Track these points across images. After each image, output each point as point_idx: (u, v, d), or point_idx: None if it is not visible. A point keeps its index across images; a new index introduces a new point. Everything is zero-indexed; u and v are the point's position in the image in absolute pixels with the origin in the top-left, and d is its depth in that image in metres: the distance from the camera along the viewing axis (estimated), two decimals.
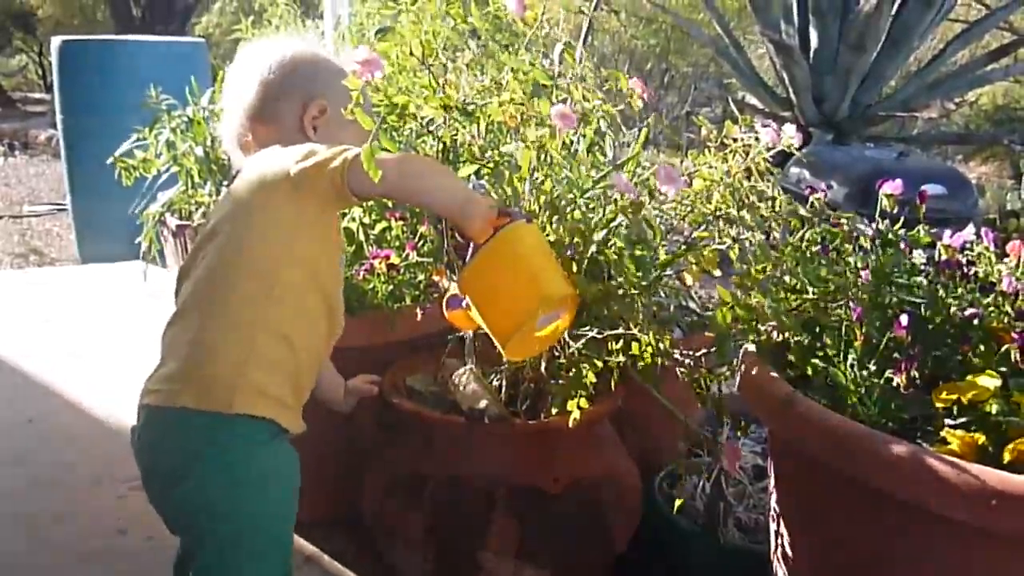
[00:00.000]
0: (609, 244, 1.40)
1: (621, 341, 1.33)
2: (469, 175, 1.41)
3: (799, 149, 1.44)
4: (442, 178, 1.22)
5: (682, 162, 1.47)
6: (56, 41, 4.18)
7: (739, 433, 1.48)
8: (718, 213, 1.41)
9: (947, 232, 1.34)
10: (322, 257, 1.24)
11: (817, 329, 1.24)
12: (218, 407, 1.13)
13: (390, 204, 1.79)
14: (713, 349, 1.24)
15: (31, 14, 12.04)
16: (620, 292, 1.38)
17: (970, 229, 1.33)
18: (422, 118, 1.25)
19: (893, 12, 5.01)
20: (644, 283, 1.41)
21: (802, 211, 1.32)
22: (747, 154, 1.43)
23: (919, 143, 5.52)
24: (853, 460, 1.02)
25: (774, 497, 1.29)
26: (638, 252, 1.42)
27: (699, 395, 1.33)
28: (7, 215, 5.35)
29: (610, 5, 8.26)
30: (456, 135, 1.27)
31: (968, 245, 1.31)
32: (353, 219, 1.78)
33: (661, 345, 1.32)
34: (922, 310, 1.20)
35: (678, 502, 1.51)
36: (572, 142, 1.38)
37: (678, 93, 9.06)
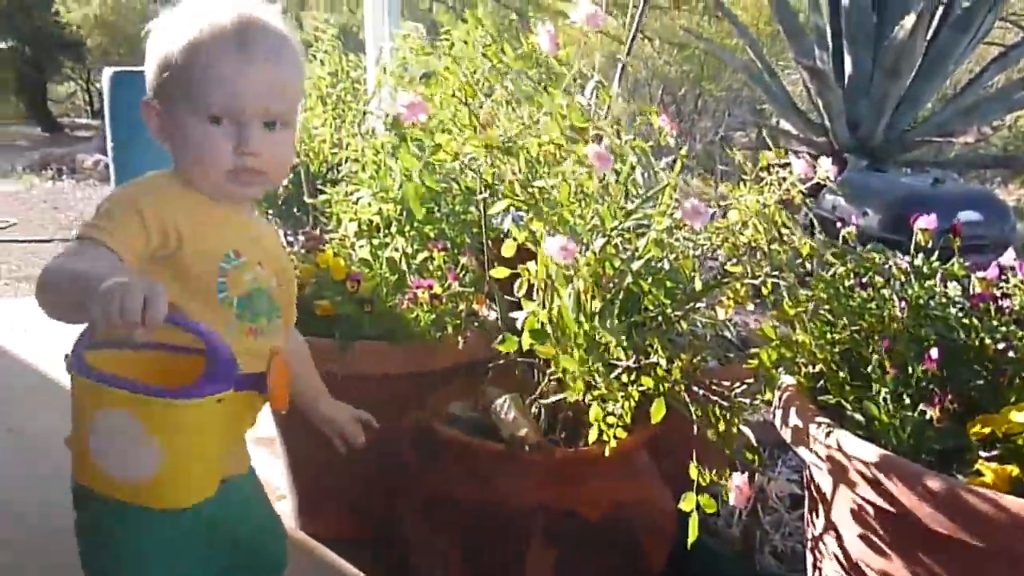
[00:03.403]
0: (644, 276, 1.43)
1: (657, 371, 1.36)
2: (507, 208, 1.46)
3: (834, 178, 1.46)
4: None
5: (716, 187, 1.51)
6: (108, 72, 4.33)
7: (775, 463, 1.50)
8: (752, 246, 1.44)
9: (983, 259, 1.36)
10: None
11: (853, 361, 1.27)
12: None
13: (431, 235, 1.84)
14: (750, 382, 1.26)
15: (81, 43, 12.42)
16: (656, 322, 1.42)
17: (1009, 254, 1.35)
18: (465, 155, 1.30)
19: (928, 37, 5.00)
20: (677, 313, 1.44)
21: (833, 249, 1.35)
22: (781, 185, 1.46)
23: (956, 167, 5.48)
24: (889, 492, 1.04)
25: (811, 528, 1.31)
26: (669, 284, 1.46)
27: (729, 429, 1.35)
28: (57, 238, 5.51)
29: (643, 32, 8.32)
30: (497, 171, 1.32)
31: (1004, 276, 1.32)
32: (396, 248, 1.84)
33: (695, 374, 1.35)
34: (957, 343, 1.22)
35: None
36: (604, 176, 1.43)
37: (711, 118, 9.08)
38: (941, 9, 5.17)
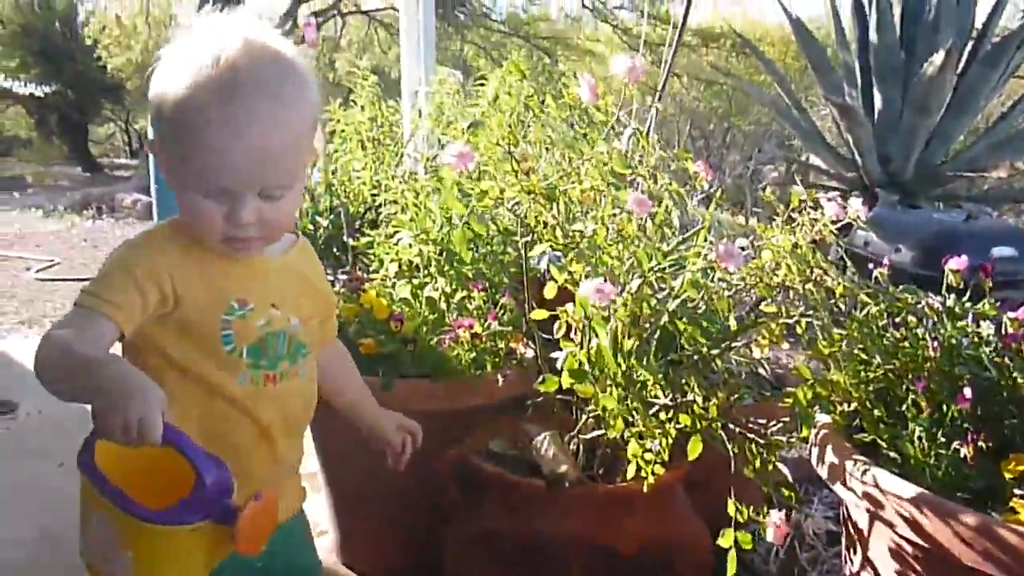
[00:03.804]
0: (680, 315, 1.47)
1: (694, 408, 1.40)
2: (544, 251, 1.51)
3: (865, 215, 1.49)
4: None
5: (746, 221, 1.55)
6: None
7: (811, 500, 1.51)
8: (786, 285, 1.47)
9: (1017, 294, 1.38)
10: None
11: (888, 400, 1.29)
12: None
13: (470, 275, 1.90)
14: (786, 420, 1.29)
15: (121, 86, 12.81)
16: (692, 361, 1.46)
17: None
18: (508, 199, 1.36)
19: (958, 72, 5.02)
20: (713, 352, 1.48)
21: (866, 290, 1.38)
22: (813, 226, 1.49)
23: (989, 202, 5.46)
24: (925, 528, 1.06)
25: (848, 565, 1.33)
26: (705, 324, 1.50)
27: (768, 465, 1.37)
28: None
29: (671, 68, 8.41)
30: (539, 216, 1.37)
31: None
32: (436, 288, 1.89)
33: (732, 412, 1.38)
34: (990, 382, 1.24)
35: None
36: (643, 218, 1.48)
37: (740, 152, 9.13)
38: (971, 45, 5.20)
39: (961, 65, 5.06)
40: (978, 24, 5.25)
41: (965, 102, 5.13)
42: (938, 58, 4.72)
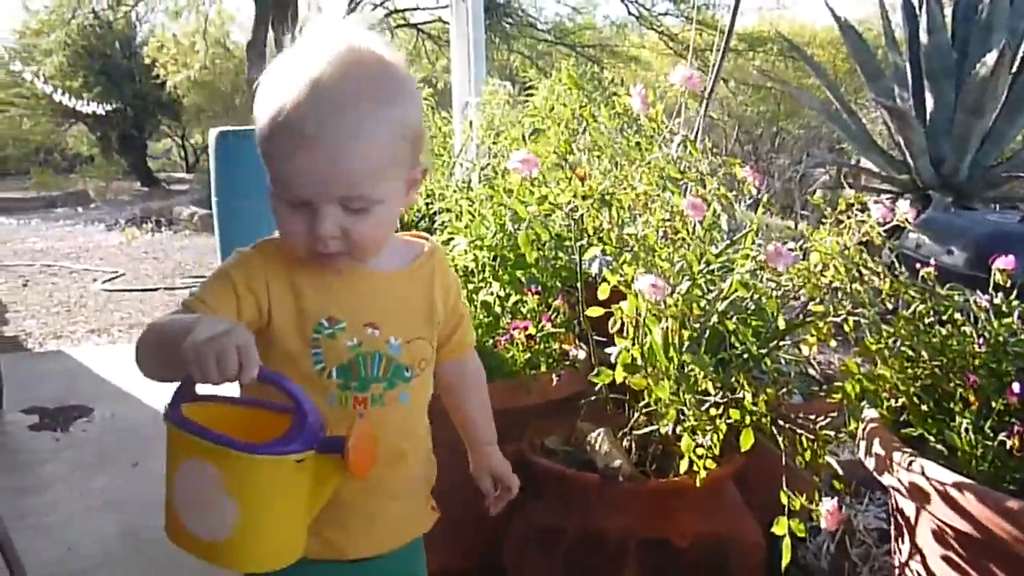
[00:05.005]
0: (729, 315, 1.52)
1: (743, 404, 1.44)
2: (595, 256, 1.57)
3: (918, 214, 1.52)
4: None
5: (796, 225, 1.58)
6: (213, 132, 4.65)
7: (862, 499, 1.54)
8: (834, 285, 1.51)
9: None
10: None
11: (936, 394, 1.33)
12: None
13: (523, 279, 1.97)
14: (834, 415, 1.33)
15: (178, 103, 13.18)
16: (741, 359, 1.50)
17: None
18: (565, 204, 1.42)
19: (1012, 72, 4.95)
20: (762, 351, 1.53)
21: (912, 288, 1.41)
22: (860, 229, 1.53)
23: None
24: (970, 516, 1.10)
25: (898, 555, 1.36)
26: (755, 323, 1.54)
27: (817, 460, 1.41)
28: (162, 287, 5.85)
29: (718, 73, 8.40)
30: (596, 221, 1.44)
31: None
32: (491, 292, 1.97)
33: (781, 408, 1.42)
34: None
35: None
36: (694, 222, 1.53)
37: (789, 155, 9.07)
38: None
39: (1015, 65, 4.99)
40: None
41: (1019, 103, 5.06)
42: (991, 58, 4.66)
